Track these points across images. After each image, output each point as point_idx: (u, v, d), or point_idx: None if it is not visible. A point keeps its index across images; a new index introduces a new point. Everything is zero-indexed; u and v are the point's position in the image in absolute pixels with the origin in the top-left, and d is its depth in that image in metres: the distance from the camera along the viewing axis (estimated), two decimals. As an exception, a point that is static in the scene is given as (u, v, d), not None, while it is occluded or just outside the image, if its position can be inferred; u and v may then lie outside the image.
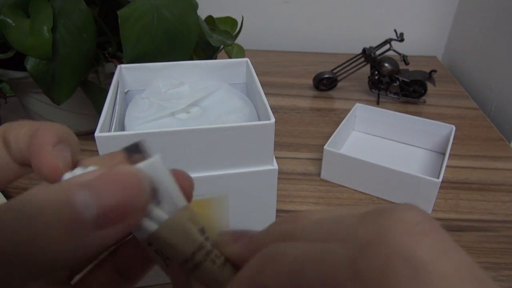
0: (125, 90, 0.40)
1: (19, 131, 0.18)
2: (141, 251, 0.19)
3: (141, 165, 0.16)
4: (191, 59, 0.50)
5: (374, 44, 0.69)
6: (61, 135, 0.17)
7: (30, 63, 0.45)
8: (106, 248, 0.19)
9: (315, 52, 0.91)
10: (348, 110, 0.59)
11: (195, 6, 0.54)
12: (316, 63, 0.85)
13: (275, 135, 0.32)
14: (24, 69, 0.45)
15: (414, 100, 0.70)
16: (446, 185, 0.52)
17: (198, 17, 0.49)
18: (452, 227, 0.46)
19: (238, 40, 0.60)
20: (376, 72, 0.70)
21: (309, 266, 0.14)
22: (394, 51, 0.68)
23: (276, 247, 0.16)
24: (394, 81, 0.69)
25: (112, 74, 0.38)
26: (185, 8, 0.47)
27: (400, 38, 0.67)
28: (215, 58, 0.55)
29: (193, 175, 0.19)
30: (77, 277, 0.19)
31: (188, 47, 0.48)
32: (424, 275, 0.12)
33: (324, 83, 0.73)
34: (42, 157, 0.16)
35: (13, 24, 0.44)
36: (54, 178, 0.16)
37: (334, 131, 0.54)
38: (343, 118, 0.57)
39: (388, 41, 0.68)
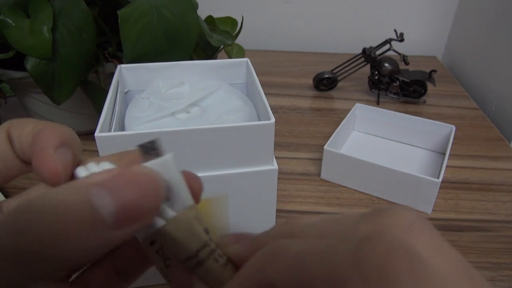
0: (125, 90, 0.40)
1: (23, 129, 0.18)
2: (140, 251, 0.19)
3: (154, 162, 0.16)
4: (191, 59, 0.50)
5: (374, 44, 0.69)
6: (64, 138, 0.17)
7: (30, 63, 0.45)
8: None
9: (315, 52, 0.91)
10: (348, 110, 0.59)
11: (195, 6, 0.54)
12: (316, 63, 0.85)
13: (275, 135, 0.32)
14: (24, 69, 0.45)
15: (414, 100, 0.70)
16: (446, 185, 0.52)
17: (198, 17, 0.49)
18: (452, 227, 0.45)
19: (238, 40, 0.60)
20: (376, 72, 0.70)
21: (312, 259, 0.14)
22: (394, 51, 0.68)
23: (279, 243, 0.16)
24: (394, 81, 0.69)
25: (112, 74, 0.38)
26: (185, 8, 0.47)
27: (400, 38, 0.67)
28: (215, 58, 0.55)
29: (193, 175, 0.19)
30: (74, 275, 0.19)
31: (188, 47, 0.48)
32: (422, 266, 0.13)
33: (324, 83, 0.73)
34: (44, 160, 0.16)
35: (13, 24, 0.44)
36: (54, 182, 0.16)
37: (334, 131, 0.54)
38: (343, 118, 0.57)
39: (388, 41, 0.68)
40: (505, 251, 0.43)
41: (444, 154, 0.53)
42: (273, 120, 0.31)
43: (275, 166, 0.34)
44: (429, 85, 0.69)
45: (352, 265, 0.13)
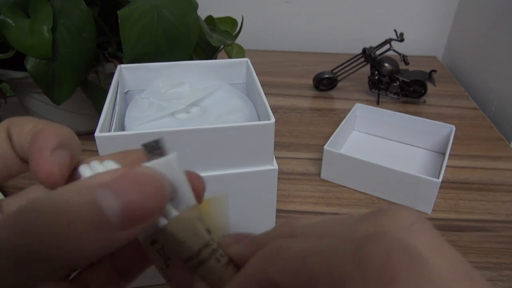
0: (125, 90, 0.40)
1: (22, 128, 0.18)
2: (139, 250, 0.19)
3: (158, 161, 0.16)
4: (191, 59, 0.50)
5: (374, 44, 0.69)
6: (62, 138, 0.17)
7: (30, 63, 0.45)
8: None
9: (315, 52, 0.91)
10: (348, 110, 0.59)
11: (195, 6, 0.54)
12: (316, 63, 0.85)
13: (275, 135, 0.32)
14: (24, 69, 0.45)
15: (414, 100, 0.70)
16: (446, 185, 0.52)
17: (198, 17, 0.49)
18: (452, 227, 0.45)
19: (238, 40, 0.60)
20: (376, 72, 0.70)
21: (313, 258, 0.14)
22: (394, 51, 0.68)
23: (279, 242, 0.16)
24: (394, 81, 0.69)
25: (112, 74, 0.38)
26: (185, 8, 0.47)
27: (400, 38, 0.67)
28: (215, 58, 0.55)
29: (193, 175, 0.19)
30: (73, 274, 0.19)
31: (188, 47, 0.48)
32: (422, 266, 0.13)
33: (324, 83, 0.73)
34: (40, 161, 0.16)
35: (13, 24, 0.44)
36: (49, 184, 0.16)
37: (334, 131, 0.54)
38: (343, 118, 0.57)
39: (388, 41, 0.68)
40: (505, 251, 0.43)
41: (444, 154, 0.53)
42: (273, 120, 0.31)
43: (275, 166, 0.34)
44: (429, 85, 0.69)
45: (353, 264, 0.13)
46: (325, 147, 0.50)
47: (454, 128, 0.54)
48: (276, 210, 0.36)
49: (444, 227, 0.45)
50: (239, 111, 0.37)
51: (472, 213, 0.48)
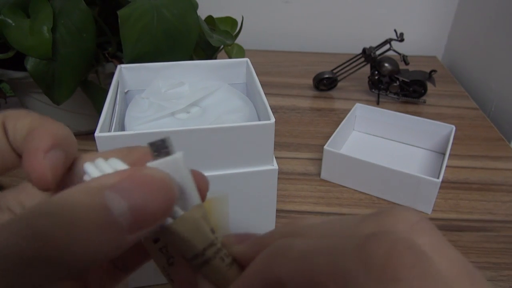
0: (125, 90, 0.40)
1: (18, 123, 0.18)
2: (139, 245, 0.20)
3: (164, 160, 0.16)
4: (191, 59, 0.50)
5: (374, 44, 0.69)
6: (58, 138, 0.17)
7: (30, 63, 0.45)
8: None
9: (315, 52, 0.91)
10: (348, 110, 0.59)
11: (195, 6, 0.54)
12: (316, 63, 0.85)
13: (275, 135, 0.32)
14: (24, 69, 0.45)
15: (414, 100, 0.70)
16: (446, 185, 0.52)
17: (198, 17, 0.49)
18: (452, 227, 0.45)
19: (238, 40, 0.60)
20: (376, 72, 0.70)
21: (317, 256, 0.14)
22: (394, 51, 0.68)
23: (284, 241, 0.16)
24: (394, 81, 0.69)
25: (112, 74, 0.38)
26: (185, 8, 0.47)
27: (400, 38, 0.67)
28: (215, 58, 0.55)
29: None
30: None
31: (188, 47, 0.48)
32: (426, 262, 0.13)
33: (324, 83, 0.73)
34: (33, 163, 0.16)
35: (13, 24, 0.44)
36: (41, 186, 0.16)
37: (334, 131, 0.54)
38: (343, 118, 0.57)
39: (388, 41, 0.68)
40: (505, 251, 0.43)
41: (444, 154, 0.53)
42: (273, 120, 0.31)
43: (275, 166, 0.34)
44: (429, 85, 0.69)
45: (357, 261, 0.13)
46: (325, 147, 0.50)
47: (454, 128, 0.54)
48: (276, 210, 0.36)
49: (444, 227, 0.45)
50: (239, 111, 0.37)
51: (472, 213, 0.48)
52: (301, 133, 0.62)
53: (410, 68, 0.71)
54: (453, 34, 0.90)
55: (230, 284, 0.18)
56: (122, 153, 0.18)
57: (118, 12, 0.43)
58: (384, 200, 0.49)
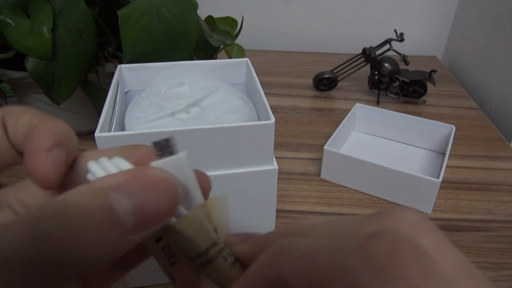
0: (125, 90, 0.40)
1: (18, 120, 0.18)
2: (139, 244, 0.20)
3: (168, 160, 0.16)
4: (191, 59, 0.50)
5: (374, 44, 0.69)
6: (58, 137, 0.17)
7: (30, 63, 0.45)
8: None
9: (315, 52, 0.91)
10: (348, 110, 0.59)
11: (195, 6, 0.54)
12: (316, 63, 0.85)
13: (275, 135, 0.32)
14: (24, 69, 0.45)
15: (414, 100, 0.70)
16: (446, 185, 0.52)
17: (198, 17, 0.49)
18: (452, 227, 0.45)
19: (238, 40, 0.60)
20: (376, 72, 0.70)
21: (320, 254, 0.14)
22: (394, 51, 0.68)
23: (287, 240, 0.16)
24: (394, 81, 0.69)
25: (112, 74, 0.38)
26: (185, 8, 0.47)
27: (400, 38, 0.67)
28: (215, 58, 0.55)
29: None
30: None
31: (188, 47, 0.48)
32: (429, 260, 0.13)
33: (324, 83, 0.73)
34: (35, 162, 0.16)
35: (13, 24, 0.44)
36: (44, 185, 0.16)
37: (334, 131, 0.54)
38: (343, 118, 0.57)
39: (388, 41, 0.68)
40: (505, 251, 0.43)
41: (444, 154, 0.53)
42: (273, 120, 0.31)
43: (275, 166, 0.34)
44: (429, 85, 0.69)
45: (359, 259, 0.13)
46: (325, 147, 0.50)
47: (454, 128, 0.54)
48: (276, 210, 0.36)
49: (444, 227, 0.45)
50: (239, 111, 0.37)
51: (472, 213, 0.48)
52: (301, 133, 0.62)
53: (410, 68, 0.71)
54: (453, 34, 0.90)
55: (232, 283, 0.18)
56: (124, 151, 0.18)
57: (118, 12, 0.43)
58: (384, 200, 0.49)
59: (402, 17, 0.90)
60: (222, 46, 0.57)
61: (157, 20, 0.45)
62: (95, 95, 0.50)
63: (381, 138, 0.60)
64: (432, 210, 0.48)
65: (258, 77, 0.37)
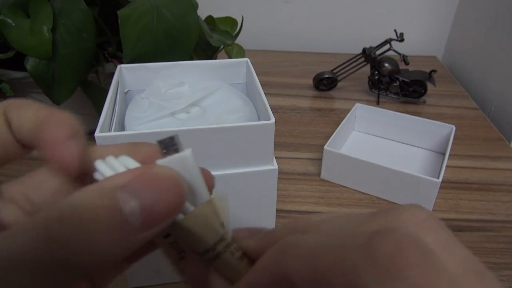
0: (125, 90, 0.40)
1: (22, 113, 0.18)
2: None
3: (173, 158, 0.17)
4: (191, 59, 0.50)
5: (374, 44, 0.69)
6: (74, 128, 0.17)
7: (30, 63, 0.45)
8: None
9: (315, 52, 0.91)
10: (348, 110, 0.59)
11: (195, 6, 0.54)
12: (316, 63, 0.85)
13: (275, 135, 0.32)
14: (24, 69, 0.45)
15: (414, 100, 0.70)
16: (446, 185, 0.52)
17: (198, 17, 0.49)
18: (452, 227, 0.45)
19: (238, 40, 0.60)
20: (376, 72, 0.70)
21: (324, 252, 0.14)
22: (394, 51, 0.68)
23: (291, 238, 0.16)
24: (394, 81, 0.69)
25: (112, 74, 0.38)
26: (185, 8, 0.47)
27: (400, 38, 0.67)
28: (215, 58, 0.55)
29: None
30: None
31: (188, 47, 0.48)
32: (433, 259, 0.13)
33: (324, 83, 0.73)
34: (60, 150, 0.16)
35: (13, 24, 0.44)
36: (69, 174, 0.17)
37: (334, 131, 0.54)
38: (343, 118, 0.57)
39: (388, 41, 0.68)
40: (505, 251, 0.43)
41: (444, 154, 0.53)
42: (273, 120, 0.31)
43: (275, 166, 0.34)
44: (429, 85, 0.69)
45: (363, 257, 0.13)
46: (325, 147, 0.50)
47: (454, 128, 0.54)
48: (276, 210, 0.36)
49: (444, 227, 0.45)
50: (239, 111, 0.37)
51: (472, 213, 0.48)
52: (301, 133, 0.62)
53: (410, 68, 0.71)
54: (453, 34, 0.90)
55: (241, 278, 0.18)
56: (130, 146, 0.18)
57: (118, 12, 0.43)
58: (384, 200, 0.49)
59: (402, 17, 0.90)
60: (222, 46, 0.57)
61: (157, 20, 0.45)
62: (95, 95, 0.50)
63: (381, 138, 0.60)
64: (432, 210, 0.48)
65: (258, 77, 0.37)
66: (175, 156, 0.17)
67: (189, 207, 0.17)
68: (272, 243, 0.17)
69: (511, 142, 0.61)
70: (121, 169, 0.16)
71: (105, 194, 0.14)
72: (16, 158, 0.19)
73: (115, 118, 0.34)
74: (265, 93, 0.35)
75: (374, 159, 0.48)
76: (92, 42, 0.47)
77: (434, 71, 0.68)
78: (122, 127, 0.36)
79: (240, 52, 0.62)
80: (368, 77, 0.71)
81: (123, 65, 0.40)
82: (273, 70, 0.83)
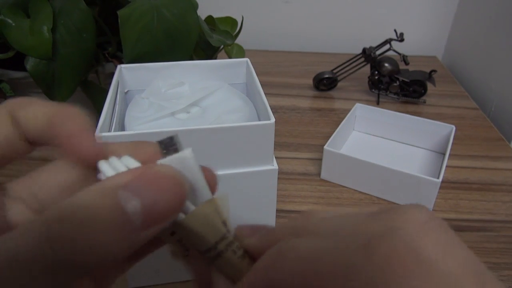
0: (125, 90, 0.40)
1: (30, 110, 0.18)
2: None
3: (174, 157, 0.17)
4: (191, 59, 0.50)
5: (374, 44, 0.69)
6: (87, 121, 0.18)
7: (30, 63, 0.45)
8: None
9: (315, 52, 0.91)
10: (348, 110, 0.59)
11: (195, 6, 0.54)
12: (316, 63, 0.85)
13: (275, 135, 0.32)
14: (24, 69, 0.45)
15: (414, 100, 0.70)
16: (446, 185, 0.52)
17: (198, 17, 0.49)
18: (452, 227, 0.45)
19: (238, 40, 0.60)
20: (376, 72, 0.70)
21: (322, 254, 0.14)
22: (394, 51, 0.68)
23: (287, 242, 0.16)
24: (394, 81, 0.69)
25: (112, 74, 0.38)
26: (185, 8, 0.47)
27: (400, 38, 0.67)
28: (215, 58, 0.55)
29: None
30: None
31: (188, 47, 0.48)
32: (428, 264, 0.13)
33: (324, 83, 0.73)
34: (82, 142, 0.17)
35: (13, 24, 0.44)
36: (89, 164, 0.17)
37: (334, 131, 0.54)
38: (343, 118, 0.57)
39: (388, 41, 0.68)
40: (505, 251, 0.43)
41: (444, 154, 0.53)
42: (273, 120, 0.31)
43: (275, 166, 0.34)
44: (429, 85, 0.69)
45: (362, 259, 0.13)
46: (325, 147, 0.50)
47: (454, 128, 0.54)
48: (276, 210, 0.36)
49: (444, 227, 0.45)
50: (239, 111, 0.37)
51: (472, 213, 0.48)
52: (301, 133, 0.62)
53: (410, 68, 0.71)
54: (453, 34, 0.90)
55: (242, 276, 0.18)
56: (131, 147, 0.18)
57: (118, 12, 0.43)
58: (384, 200, 0.49)
59: (402, 17, 0.90)
60: (222, 46, 0.57)
61: (157, 20, 0.45)
62: (95, 95, 0.50)
63: (381, 138, 0.60)
64: (432, 210, 0.48)
65: (258, 77, 0.37)
66: (175, 156, 0.17)
67: (190, 206, 0.17)
68: (273, 241, 0.17)
69: (511, 142, 0.61)
70: (122, 169, 0.16)
71: (107, 194, 0.14)
72: (23, 156, 0.19)
73: (115, 118, 0.34)
74: (265, 93, 0.35)
75: (374, 159, 0.48)
76: (92, 42, 0.47)
77: (434, 71, 0.68)
78: (122, 127, 0.36)
79: (240, 52, 0.62)
80: (368, 77, 0.71)
81: (123, 65, 0.40)
82: (273, 70, 0.83)
